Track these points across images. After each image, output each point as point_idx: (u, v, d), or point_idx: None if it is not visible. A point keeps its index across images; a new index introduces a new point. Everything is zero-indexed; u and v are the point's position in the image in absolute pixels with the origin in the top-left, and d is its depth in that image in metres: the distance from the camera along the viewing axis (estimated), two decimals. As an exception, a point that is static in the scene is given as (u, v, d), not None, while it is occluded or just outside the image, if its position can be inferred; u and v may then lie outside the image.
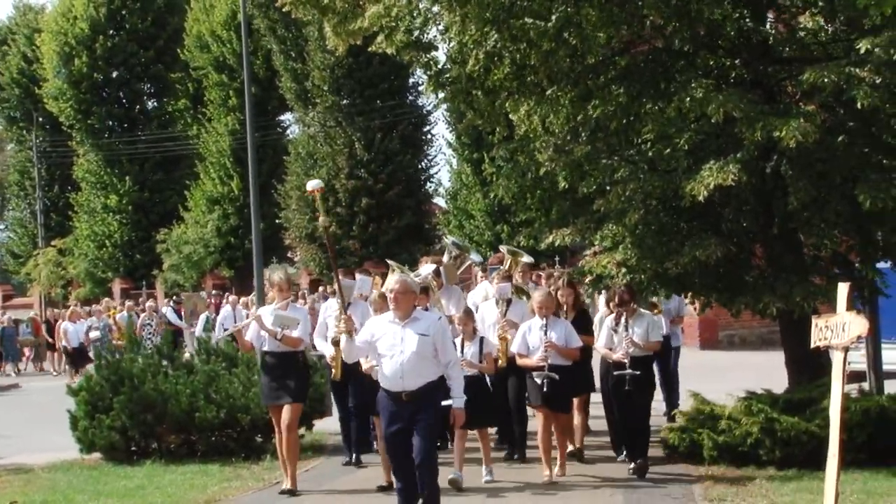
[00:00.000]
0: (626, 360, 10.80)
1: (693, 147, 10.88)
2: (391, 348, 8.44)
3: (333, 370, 11.70)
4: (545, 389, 10.74)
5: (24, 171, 52.97)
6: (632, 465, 10.93)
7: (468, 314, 11.40)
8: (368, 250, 37.65)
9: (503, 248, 14.23)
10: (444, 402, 8.79)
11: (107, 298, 37.33)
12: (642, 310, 11.24)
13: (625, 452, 11.49)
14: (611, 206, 11.35)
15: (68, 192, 50.26)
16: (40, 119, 50.47)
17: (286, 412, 10.76)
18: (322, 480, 11.69)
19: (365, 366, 9.86)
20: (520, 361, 11.17)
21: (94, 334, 26.51)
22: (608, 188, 11.61)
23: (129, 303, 32.84)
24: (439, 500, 8.52)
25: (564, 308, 11.99)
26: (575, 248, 26.44)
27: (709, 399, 11.61)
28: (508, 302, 12.02)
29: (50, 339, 32.49)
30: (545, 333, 10.85)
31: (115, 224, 47.11)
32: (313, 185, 9.83)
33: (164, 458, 12.75)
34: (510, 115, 12.44)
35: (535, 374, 10.86)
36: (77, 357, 27.43)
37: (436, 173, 41.89)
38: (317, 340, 12.31)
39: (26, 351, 34.53)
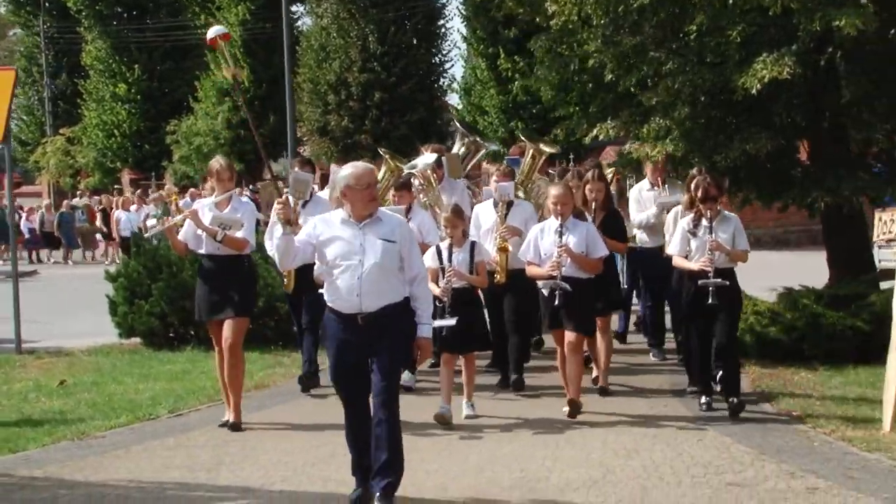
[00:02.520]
0: (709, 269, 8.85)
1: (745, 39, 10.70)
2: (345, 256, 6.51)
3: (285, 280, 10.30)
4: (556, 303, 8.88)
5: (31, 57, 52.47)
6: (705, 399, 9.16)
7: (457, 213, 9.29)
8: (381, 145, 37.38)
9: (524, 137, 12.82)
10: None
11: (168, 184, 36.85)
12: (726, 211, 9.36)
13: (701, 388, 9.33)
14: (659, 99, 11.23)
15: (77, 80, 49.82)
16: (47, 4, 49.81)
17: (227, 328, 8.88)
18: (271, 411, 9.77)
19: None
20: (529, 271, 9.27)
21: (151, 222, 25.71)
22: (655, 81, 11.49)
23: (192, 189, 32.64)
24: (402, 462, 6.58)
25: (592, 207, 10.18)
26: (594, 145, 26.34)
27: (749, 294, 11.46)
28: (510, 205, 10.16)
29: (105, 228, 32.13)
30: (560, 237, 8.96)
31: (123, 113, 46.87)
32: (215, 31, 7.98)
33: (203, 344, 12.84)
34: (549, 5, 12.24)
35: (541, 284, 9.12)
36: (129, 246, 27.26)
37: (449, 68, 41.31)
38: (267, 243, 10.07)
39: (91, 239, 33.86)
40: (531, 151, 11.55)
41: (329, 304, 6.62)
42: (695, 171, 9.73)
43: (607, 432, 8.50)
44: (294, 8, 45.24)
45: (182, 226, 9.13)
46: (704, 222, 9.03)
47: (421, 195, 11.20)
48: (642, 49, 11.46)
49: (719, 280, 8.83)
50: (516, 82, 35.17)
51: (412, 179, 11.04)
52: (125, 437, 8.86)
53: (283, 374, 11.36)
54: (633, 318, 13.14)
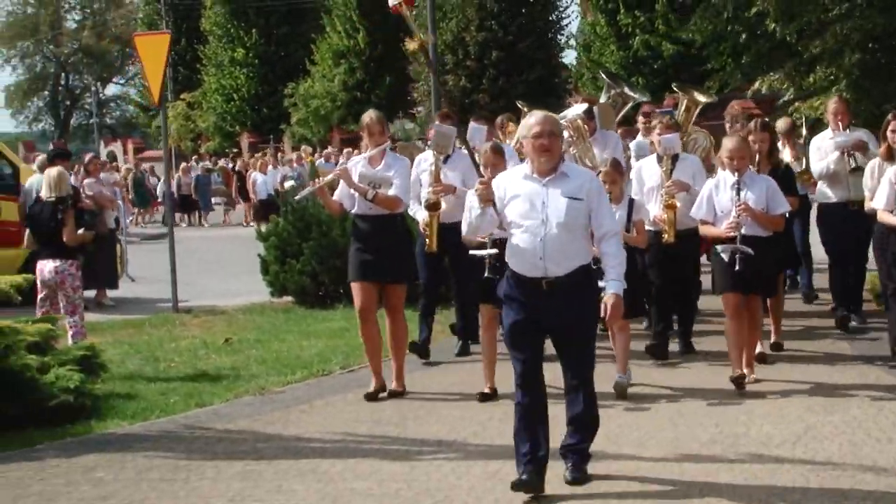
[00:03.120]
0: None
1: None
2: (527, 215, 6.01)
3: (427, 240, 9.49)
4: (737, 268, 8.20)
5: (151, 24, 53.30)
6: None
7: (616, 167, 8.64)
8: (498, 104, 37.28)
9: (676, 88, 11.88)
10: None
11: (304, 145, 37.25)
12: None
13: None
14: (826, 46, 10.93)
15: (196, 46, 50.54)
16: (168, -28, 50.62)
17: (388, 294, 8.69)
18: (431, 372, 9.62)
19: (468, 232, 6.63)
20: (704, 230, 8.72)
21: (288, 183, 25.69)
22: (818, 29, 11.17)
23: (327, 150, 32.98)
24: (596, 429, 6.33)
25: (756, 160, 9.38)
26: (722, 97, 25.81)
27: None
28: (675, 159, 9.45)
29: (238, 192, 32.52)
30: (738, 194, 8.28)
31: (242, 77, 47.53)
32: None
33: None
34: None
35: (720, 248, 8.41)
36: (265, 209, 27.50)
37: (566, 25, 40.93)
38: (412, 205, 9.48)
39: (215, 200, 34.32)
40: (685, 102, 11.01)
41: (511, 266, 6.12)
42: (891, 115, 9.08)
43: (794, 391, 8.24)
44: (410, -32, 45.17)
45: (335, 186, 8.86)
46: None
47: (571, 148, 10.51)
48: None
49: None
50: (637, 37, 34.89)
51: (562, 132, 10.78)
52: (304, 392, 8.98)
53: (445, 332, 11.25)
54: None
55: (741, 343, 8.39)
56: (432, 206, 9.32)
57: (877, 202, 8.62)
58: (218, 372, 9.81)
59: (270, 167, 29.68)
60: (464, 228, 6.46)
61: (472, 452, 6.98)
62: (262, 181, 28.32)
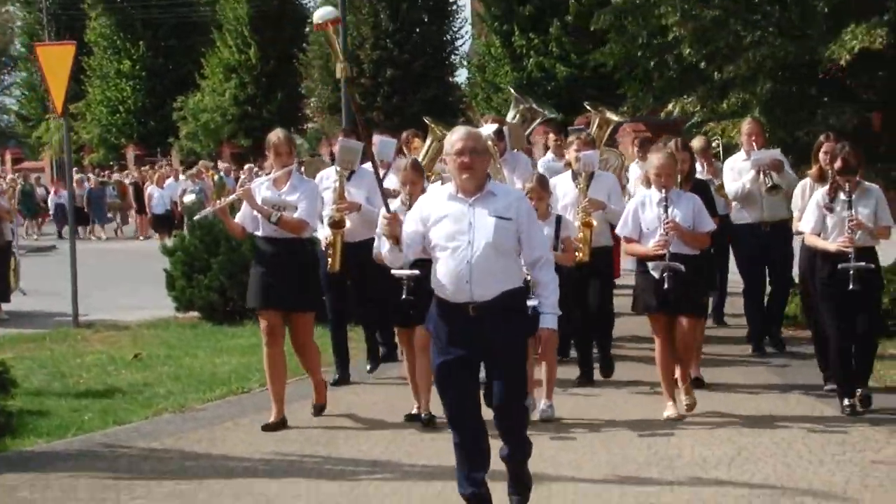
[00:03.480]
0: (849, 250, 7.86)
1: (832, 10, 10.57)
2: (453, 236, 5.62)
3: (330, 260, 9.11)
4: (666, 286, 7.89)
5: (32, 34, 51.95)
6: (848, 401, 8.05)
7: (542, 183, 8.38)
8: (392, 122, 37.33)
9: (588, 106, 11.63)
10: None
11: (202, 160, 36.52)
12: (866, 182, 8.29)
13: (843, 388, 8.18)
14: (740, 72, 11.14)
15: (80, 57, 49.28)
16: (49, -19, 49.45)
17: (295, 326, 8.13)
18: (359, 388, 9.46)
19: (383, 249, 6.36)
20: (630, 248, 8.45)
21: (188, 198, 25.04)
22: (731, 55, 11.39)
23: (224, 165, 32.37)
24: (529, 454, 5.95)
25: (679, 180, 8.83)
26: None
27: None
28: (591, 176, 9.23)
29: (135, 204, 31.95)
30: (665, 210, 7.98)
31: (128, 89, 46.68)
32: (323, 14, 6.65)
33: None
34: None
35: (651, 265, 8.05)
36: (161, 223, 27.10)
37: (460, 45, 41.14)
38: (318, 228, 9.19)
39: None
40: (598, 120, 10.89)
41: (435, 292, 5.72)
42: (823, 137, 8.98)
43: (718, 413, 8.14)
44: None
45: (238, 207, 8.28)
46: (842, 196, 7.97)
47: None
48: (723, 21, 11.34)
49: (863, 264, 7.84)
50: (531, 59, 35.23)
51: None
52: (226, 409, 8.76)
53: (362, 349, 11.07)
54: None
55: (672, 368, 8.11)
56: (336, 224, 8.96)
57: (803, 225, 8.41)
58: (130, 388, 9.49)
59: (171, 180, 29.14)
60: (382, 251, 6.15)
61: (409, 473, 6.86)
62: (158, 195, 27.78)
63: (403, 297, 7.47)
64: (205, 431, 7.98)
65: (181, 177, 29.45)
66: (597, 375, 9.43)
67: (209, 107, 43.09)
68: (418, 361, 7.93)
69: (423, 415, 7.95)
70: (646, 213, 8.15)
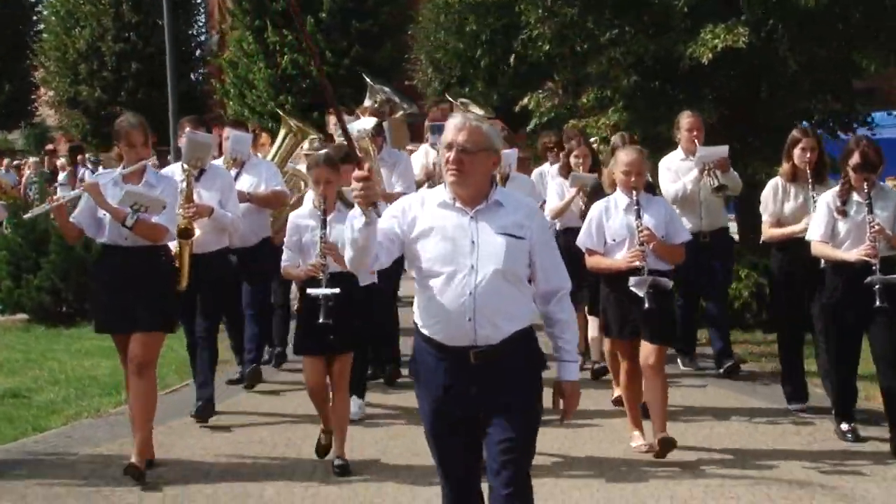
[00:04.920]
0: (874, 261, 6.74)
1: (692, 9, 11.02)
2: (449, 258, 4.29)
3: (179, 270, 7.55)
4: (647, 305, 6.76)
5: None
6: (847, 426, 7.26)
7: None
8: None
9: (450, 98, 11.32)
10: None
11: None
12: (884, 183, 7.33)
13: (843, 413, 7.33)
14: (601, 69, 11.51)
15: None
16: None
17: (136, 345, 6.59)
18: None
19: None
20: (593, 263, 7.15)
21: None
22: (589, 52, 11.73)
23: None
24: None
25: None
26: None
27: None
28: (505, 179, 8.62)
29: None
30: (639, 216, 6.90)
31: None
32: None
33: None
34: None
35: (633, 281, 6.80)
36: None
37: (206, 41, 40.18)
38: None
39: None
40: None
41: (423, 330, 4.39)
42: (798, 132, 8.03)
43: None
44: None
45: (75, 204, 6.92)
46: (856, 197, 6.99)
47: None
48: (579, 22, 11.61)
49: (886, 276, 6.71)
50: (285, 56, 34.85)
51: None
52: (144, 413, 8.23)
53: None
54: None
55: (639, 399, 7.17)
56: (184, 233, 7.47)
57: (811, 232, 7.23)
58: (10, 394, 8.83)
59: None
60: (346, 255, 4.40)
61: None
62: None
63: (320, 320, 6.44)
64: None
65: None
66: None
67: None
68: (311, 392, 6.80)
69: (335, 461, 6.73)
70: (611, 220, 7.02)
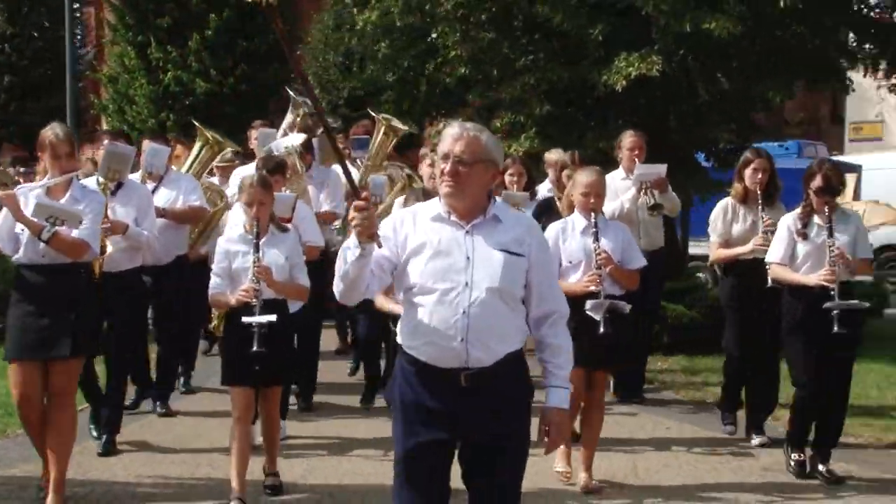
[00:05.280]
0: (832, 286, 6.69)
1: (606, 38, 11.16)
2: (443, 274, 4.07)
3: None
4: (604, 330, 6.55)
5: None
6: (823, 468, 7.06)
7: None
8: (9, 130, 35.29)
9: (372, 112, 10.89)
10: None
11: None
12: (843, 206, 7.25)
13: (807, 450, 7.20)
14: (515, 94, 11.60)
15: None
16: None
17: (56, 376, 6.18)
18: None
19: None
20: None
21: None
22: (503, 78, 11.83)
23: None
24: None
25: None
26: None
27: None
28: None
29: None
30: (597, 239, 6.70)
31: None
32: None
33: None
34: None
35: (589, 305, 6.59)
36: None
37: (85, 55, 39.32)
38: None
39: None
40: (383, 128, 10.01)
41: (408, 350, 4.16)
42: (750, 153, 7.96)
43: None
44: None
45: None
46: (817, 220, 6.93)
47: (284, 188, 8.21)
48: (495, 46, 11.69)
49: (856, 302, 6.76)
50: (169, 73, 34.27)
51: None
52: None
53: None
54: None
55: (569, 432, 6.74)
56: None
57: (770, 255, 7.18)
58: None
59: None
60: (335, 288, 4.17)
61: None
62: None
63: (254, 348, 6.14)
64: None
65: None
66: None
67: None
68: (237, 430, 6.29)
69: (265, 481, 6.58)
70: (567, 242, 6.78)
